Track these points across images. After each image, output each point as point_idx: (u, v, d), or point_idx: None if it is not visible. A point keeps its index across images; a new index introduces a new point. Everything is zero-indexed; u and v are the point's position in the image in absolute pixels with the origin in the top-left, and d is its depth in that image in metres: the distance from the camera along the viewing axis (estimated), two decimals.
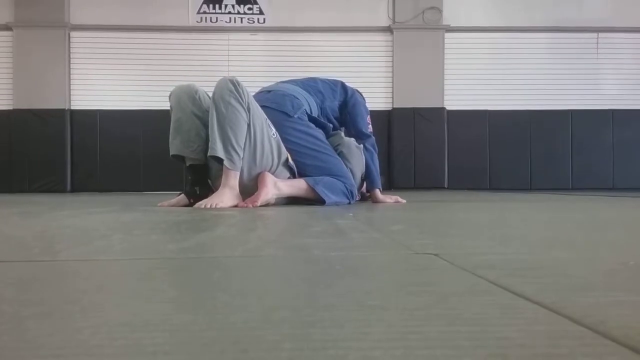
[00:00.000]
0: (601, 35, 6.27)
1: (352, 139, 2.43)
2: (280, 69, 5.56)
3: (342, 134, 2.43)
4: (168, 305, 0.41)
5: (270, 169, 2.05)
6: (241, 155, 1.98)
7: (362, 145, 2.41)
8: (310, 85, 2.39)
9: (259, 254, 0.73)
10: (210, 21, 6.12)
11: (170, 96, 2.15)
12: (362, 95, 2.73)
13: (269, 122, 2.08)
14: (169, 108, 2.15)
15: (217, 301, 0.42)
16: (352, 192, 2.21)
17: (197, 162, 2.12)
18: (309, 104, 2.31)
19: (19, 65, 5.95)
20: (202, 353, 0.29)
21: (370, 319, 0.36)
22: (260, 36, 6.17)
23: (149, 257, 0.69)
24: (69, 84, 6.06)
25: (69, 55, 6.05)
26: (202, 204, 1.93)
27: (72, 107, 6.06)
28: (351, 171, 2.28)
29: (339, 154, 2.28)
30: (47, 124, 5.90)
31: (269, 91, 2.33)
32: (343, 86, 2.47)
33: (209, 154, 1.99)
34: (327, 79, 2.51)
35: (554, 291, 0.45)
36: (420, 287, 0.48)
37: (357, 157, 2.37)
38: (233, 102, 1.96)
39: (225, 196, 1.94)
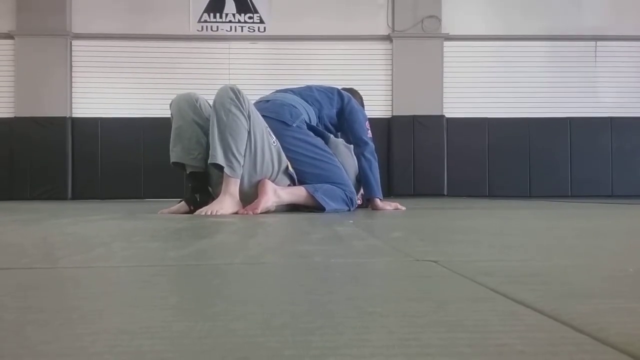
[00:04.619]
0: (599, 43, 6.30)
1: (341, 140, 2.43)
2: (280, 77, 5.59)
3: (332, 136, 2.43)
4: (168, 312, 0.41)
5: (271, 176, 2.05)
6: (241, 163, 1.98)
7: (351, 145, 2.41)
8: (307, 94, 2.39)
9: (260, 261, 0.73)
10: (211, 30, 6.16)
11: (171, 104, 2.16)
12: (360, 96, 2.72)
13: (269, 129, 2.09)
14: (169, 116, 2.16)
15: (218, 308, 0.42)
16: (351, 200, 2.21)
17: (198, 170, 2.12)
18: (308, 113, 2.31)
19: (20, 73, 5.98)
20: None
21: (370, 326, 0.36)
22: (261, 45, 6.21)
23: (150, 265, 0.69)
24: (71, 92, 6.08)
25: (71, 64, 6.08)
26: (202, 211, 1.93)
27: (74, 115, 6.08)
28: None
29: None
30: (48, 132, 5.91)
31: (267, 101, 2.34)
32: (339, 93, 2.47)
33: (209, 161, 1.99)
34: (323, 87, 2.50)
35: (554, 298, 0.45)
36: (420, 294, 0.48)
37: (345, 156, 2.36)
38: (234, 109, 1.97)
39: (226, 203, 1.94)
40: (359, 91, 2.78)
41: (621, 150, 6.22)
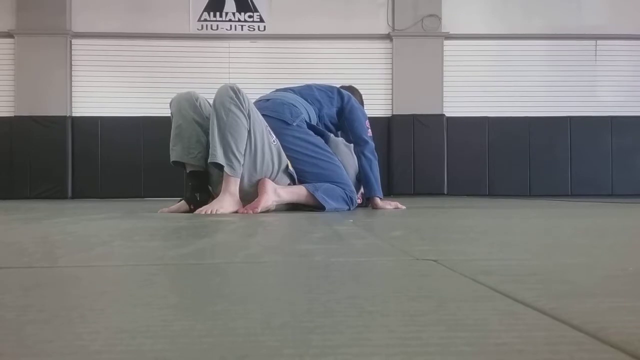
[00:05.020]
0: (599, 42, 6.30)
1: (341, 139, 2.43)
2: (280, 76, 5.58)
3: (332, 136, 2.43)
4: (168, 311, 0.41)
5: (271, 175, 2.05)
6: (241, 162, 1.98)
7: (351, 145, 2.41)
8: (307, 93, 2.39)
9: (260, 260, 0.73)
10: (211, 29, 6.16)
11: (171, 103, 2.16)
12: (360, 94, 2.73)
13: (269, 128, 2.09)
14: (169, 115, 2.16)
15: (218, 307, 0.42)
16: (351, 199, 2.21)
17: (198, 169, 2.12)
18: (308, 112, 2.31)
19: (20, 72, 5.98)
20: (203, 359, 0.30)
21: (371, 325, 0.37)
22: (261, 44, 6.21)
23: (150, 264, 0.69)
24: (70, 91, 6.08)
25: (71, 62, 6.08)
26: (202, 210, 1.93)
27: (74, 114, 6.07)
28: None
29: None
30: (48, 131, 5.91)
31: (268, 99, 2.34)
32: (339, 92, 2.47)
33: (209, 161, 1.99)
34: (323, 86, 2.50)
35: (554, 297, 0.45)
36: (420, 293, 0.48)
37: (345, 155, 2.37)
38: (233, 108, 1.97)
39: (226, 202, 1.94)
40: (358, 89, 2.78)
41: (621, 150, 6.22)
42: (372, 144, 2.43)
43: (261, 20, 6.17)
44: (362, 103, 2.62)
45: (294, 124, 2.21)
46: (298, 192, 2.08)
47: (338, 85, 2.59)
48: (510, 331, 0.35)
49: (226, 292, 0.50)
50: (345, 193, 2.18)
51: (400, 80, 6.14)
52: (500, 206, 2.83)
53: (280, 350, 0.31)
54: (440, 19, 6.16)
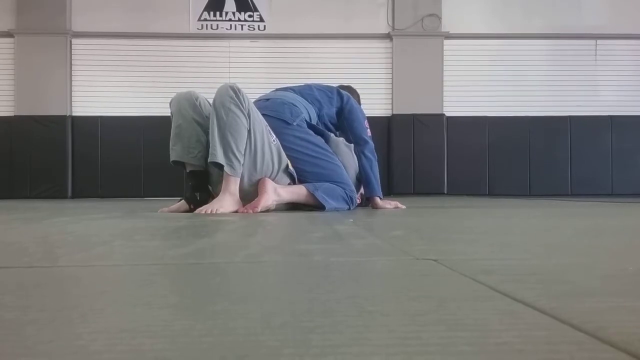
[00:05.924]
0: (600, 42, 6.30)
1: (341, 138, 2.44)
2: (280, 76, 5.58)
3: (333, 135, 2.43)
4: (168, 311, 0.41)
5: (271, 175, 2.05)
6: (241, 161, 1.98)
7: (352, 145, 2.41)
8: (307, 93, 2.40)
9: (260, 259, 0.73)
10: (211, 28, 6.16)
11: (170, 103, 2.16)
12: (357, 94, 2.73)
13: (269, 128, 2.09)
14: (169, 115, 2.16)
15: (218, 307, 0.42)
16: (351, 198, 2.21)
17: (198, 168, 2.13)
18: (308, 111, 2.32)
19: (20, 71, 5.98)
20: (203, 359, 0.30)
21: (371, 325, 0.37)
22: (261, 43, 6.20)
23: (150, 263, 0.69)
24: (70, 91, 6.08)
25: (71, 62, 6.08)
26: (202, 209, 1.93)
27: (74, 114, 6.07)
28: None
29: None
30: (48, 130, 5.91)
31: (268, 99, 2.34)
32: (338, 92, 2.47)
33: (209, 160, 1.99)
34: (322, 86, 2.50)
35: (554, 297, 0.45)
36: (420, 292, 0.48)
37: (346, 155, 2.37)
38: (233, 108, 1.97)
39: (226, 202, 1.95)
40: (356, 89, 2.79)
41: (621, 149, 6.22)
42: (371, 143, 2.43)
43: (261, 20, 6.17)
44: (359, 103, 2.63)
45: (294, 123, 2.21)
46: (298, 192, 2.08)
47: (336, 85, 2.60)
48: (511, 331, 0.35)
49: (226, 292, 0.50)
50: (346, 193, 2.18)
51: (400, 80, 6.13)
52: (500, 206, 2.82)
53: (280, 350, 0.31)
54: (440, 18, 6.16)
